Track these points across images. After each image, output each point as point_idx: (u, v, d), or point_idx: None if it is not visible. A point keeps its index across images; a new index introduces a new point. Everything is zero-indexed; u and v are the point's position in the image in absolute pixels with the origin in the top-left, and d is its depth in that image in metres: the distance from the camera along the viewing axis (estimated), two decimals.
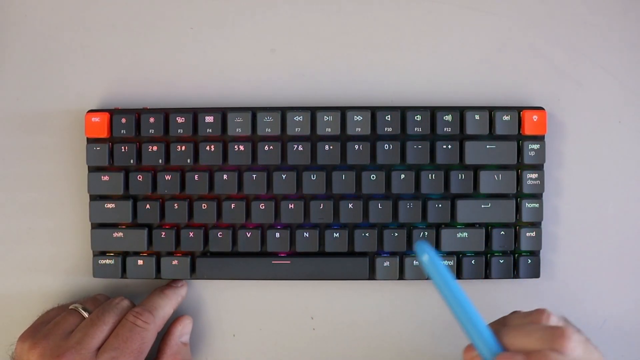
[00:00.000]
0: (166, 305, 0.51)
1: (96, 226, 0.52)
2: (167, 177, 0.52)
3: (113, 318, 0.49)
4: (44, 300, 0.53)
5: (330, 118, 0.51)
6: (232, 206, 0.51)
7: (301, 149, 0.51)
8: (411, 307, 0.54)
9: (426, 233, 0.51)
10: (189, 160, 0.51)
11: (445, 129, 0.51)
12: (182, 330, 0.52)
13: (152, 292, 0.52)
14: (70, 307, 0.50)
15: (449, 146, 0.51)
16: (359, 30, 0.54)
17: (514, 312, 0.48)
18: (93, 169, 0.52)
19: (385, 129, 0.51)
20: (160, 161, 0.52)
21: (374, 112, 0.51)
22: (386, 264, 0.52)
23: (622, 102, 0.53)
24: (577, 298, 0.53)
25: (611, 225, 0.53)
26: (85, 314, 0.49)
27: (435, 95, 0.53)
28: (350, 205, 0.51)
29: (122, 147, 0.52)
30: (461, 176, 0.51)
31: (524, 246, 0.52)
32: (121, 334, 0.48)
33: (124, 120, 0.51)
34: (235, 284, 0.54)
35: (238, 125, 0.51)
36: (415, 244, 0.45)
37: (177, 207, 0.52)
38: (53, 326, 0.48)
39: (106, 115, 0.52)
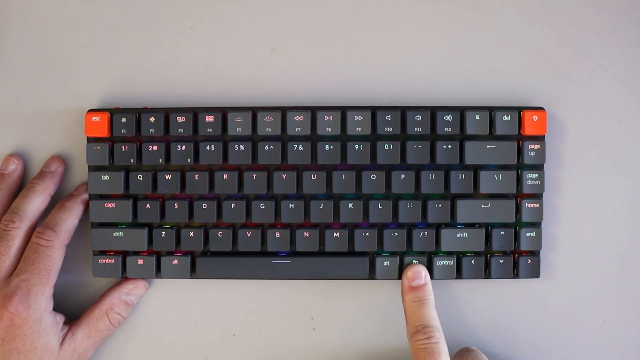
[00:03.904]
0: (68, 218, 0.51)
1: (96, 225, 0.52)
2: (167, 177, 0.52)
3: (7, 243, 0.49)
4: None
5: (331, 118, 0.51)
6: (232, 206, 0.51)
7: (301, 148, 0.51)
8: None
9: (426, 233, 0.51)
10: (189, 160, 0.51)
11: (445, 129, 0.51)
12: (131, 290, 0.52)
13: (54, 207, 0.52)
14: None
15: (449, 146, 0.51)
16: (359, 30, 0.54)
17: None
18: (93, 169, 0.52)
19: (385, 129, 0.51)
20: (160, 161, 0.52)
21: (374, 112, 0.51)
22: (386, 263, 0.52)
23: (622, 102, 0.53)
24: (577, 298, 0.53)
25: (611, 225, 0.53)
26: None
27: (435, 95, 0.53)
28: (350, 205, 0.51)
29: (123, 147, 0.52)
30: (461, 176, 0.51)
31: (524, 246, 0.52)
32: (27, 257, 0.49)
33: (124, 120, 0.52)
34: (235, 283, 0.54)
35: (238, 125, 0.51)
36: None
37: (177, 206, 0.52)
38: None
39: (106, 115, 0.52)
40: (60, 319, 0.50)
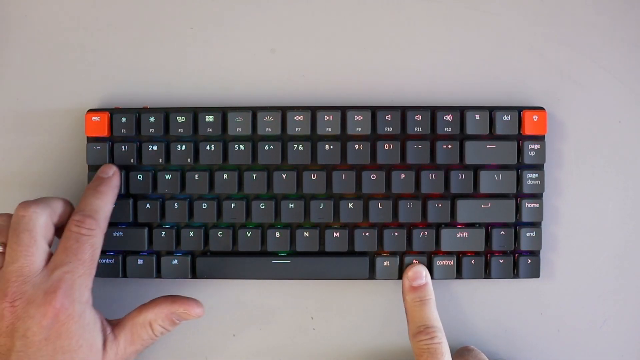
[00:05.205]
0: (105, 205, 0.48)
1: None
2: (167, 177, 0.52)
3: (30, 236, 0.45)
4: None
5: (331, 118, 0.51)
6: (232, 206, 0.51)
7: (301, 148, 0.51)
8: None
9: (426, 233, 0.51)
10: (189, 160, 0.51)
11: (445, 129, 0.51)
12: (182, 315, 0.49)
13: (85, 192, 0.49)
14: None
15: (449, 146, 0.51)
16: (359, 30, 0.54)
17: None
18: (93, 169, 0.52)
19: (385, 128, 0.51)
20: (160, 161, 0.52)
21: (374, 112, 0.51)
22: (386, 263, 0.52)
23: (622, 102, 0.53)
24: (577, 298, 0.53)
25: (611, 225, 0.53)
26: None
27: (435, 95, 0.53)
28: (350, 205, 0.51)
29: (122, 147, 0.52)
30: (461, 176, 0.51)
31: (524, 246, 0.52)
32: (68, 247, 0.46)
33: (124, 120, 0.52)
34: (235, 283, 0.54)
35: (238, 125, 0.51)
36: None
37: (177, 206, 0.52)
38: None
39: (106, 115, 0.52)
40: (99, 314, 0.47)
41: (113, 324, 0.48)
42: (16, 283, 0.44)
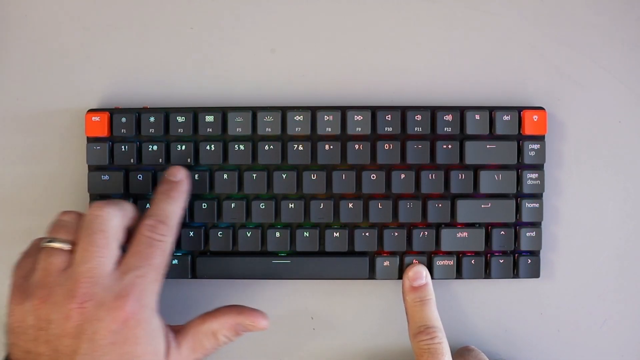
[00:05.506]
0: (177, 210, 0.48)
1: None
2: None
3: (104, 237, 0.44)
4: None
5: (331, 118, 0.51)
6: (232, 206, 0.51)
7: (301, 148, 0.51)
8: None
9: (426, 233, 0.51)
10: (189, 160, 0.51)
11: (445, 129, 0.51)
12: (248, 327, 0.49)
13: (157, 196, 0.48)
14: (41, 245, 0.45)
15: (449, 146, 0.51)
16: (359, 30, 0.54)
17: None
18: (93, 169, 0.52)
19: (385, 128, 0.51)
20: (160, 161, 0.52)
21: (374, 112, 0.51)
22: (386, 263, 0.52)
23: (622, 102, 0.53)
24: (577, 298, 0.53)
25: (611, 225, 0.53)
26: (64, 246, 0.45)
27: (435, 95, 0.53)
28: (350, 205, 0.51)
29: (123, 147, 0.52)
30: (461, 176, 0.51)
31: (524, 246, 0.52)
32: (140, 251, 0.45)
33: (124, 120, 0.52)
34: (235, 283, 0.54)
35: (238, 125, 0.51)
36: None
37: None
38: (43, 275, 0.44)
39: (106, 115, 0.52)
40: (163, 321, 0.46)
41: (175, 330, 0.47)
42: (87, 284, 0.43)
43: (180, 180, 0.49)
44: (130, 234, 0.47)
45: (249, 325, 0.48)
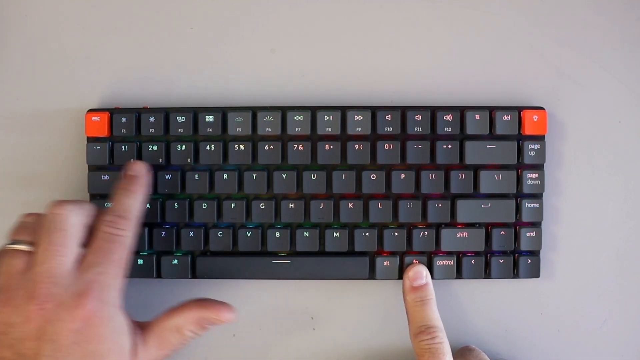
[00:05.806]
0: (136, 204, 0.47)
1: None
2: (167, 177, 0.52)
3: (63, 236, 0.44)
4: None
5: (331, 118, 0.51)
6: (232, 206, 0.51)
7: (301, 148, 0.51)
8: None
9: (426, 233, 0.51)
10: (189, 160, 0.51)
11: (445, 129, 0.51)
12: (213, 320, 0.48)
13: (116, 191, 0.47)
14: (3, 249, 0.45)
15: (449, 146, 0.51)
16: (359, 30, 0.54)
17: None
18: (93, 169, 0.52)
19: (385, 128, 0.51)
20: (160, 160, 0.52)
21: (374, 112, 0.51)
22: (386, 263, 0.52)
23: (622, 102, 0.53)
24: (577, 298, 0.53)
25: (611, 225, 0.53)
26: (25, 248, 0.44)
27: (435, 95, 0.53)
28: (350, 205, 0.51)
29: (123, 147, 0.52)
30: (461, 176, 0.51)
31: (524, 246, 0.52)
32: (101, 247, 0.44)
33: (124, 120, 0.52)
34: (235, 283, 0.54)
35: (238, 125, 0.51)
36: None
37: (177, 206, 0.52)
38: (4, 278, 0.43)
39: (106, 115, 0.52)
40: (128, 318, 0.45)
41: (142, 327, 0.47)
42: (46, 285, 0.42)
43: (139, 175, 0.48)
44: (92, 232, 0.46)
45: (213, 319, 0.48)
